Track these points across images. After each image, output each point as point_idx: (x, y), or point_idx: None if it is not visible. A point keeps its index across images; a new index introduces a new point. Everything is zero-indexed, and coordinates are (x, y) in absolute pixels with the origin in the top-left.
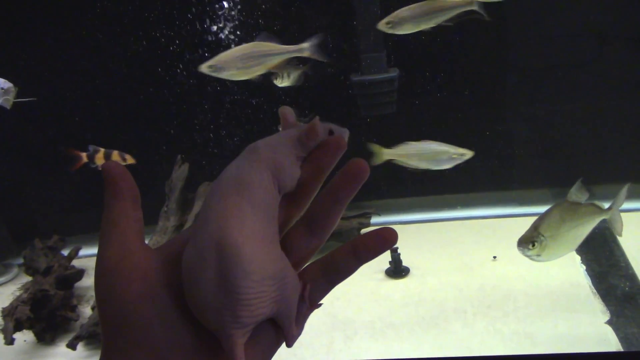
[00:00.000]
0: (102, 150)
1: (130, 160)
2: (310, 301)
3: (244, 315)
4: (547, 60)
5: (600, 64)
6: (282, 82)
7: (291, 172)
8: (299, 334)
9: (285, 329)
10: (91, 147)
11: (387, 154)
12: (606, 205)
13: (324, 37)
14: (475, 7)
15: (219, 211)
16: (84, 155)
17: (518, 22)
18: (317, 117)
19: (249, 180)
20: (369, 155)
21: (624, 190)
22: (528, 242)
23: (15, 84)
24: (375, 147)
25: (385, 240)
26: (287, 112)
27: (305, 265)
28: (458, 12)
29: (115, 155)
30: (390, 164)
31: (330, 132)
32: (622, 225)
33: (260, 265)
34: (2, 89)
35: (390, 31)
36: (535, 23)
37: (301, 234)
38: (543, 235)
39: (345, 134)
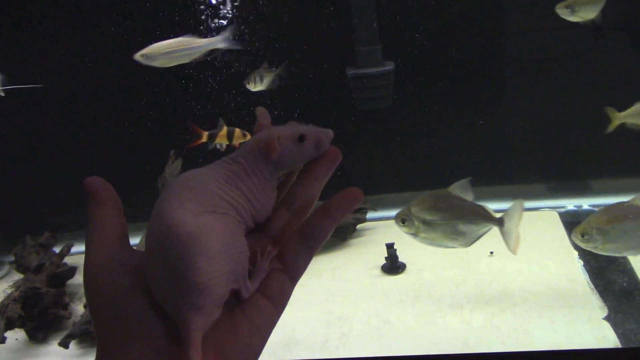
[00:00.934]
0: (225, 128)
1: (249, 136)
2: (293, 268)
3: (197, 297)
4: (541, 53)
5: (596, 57)
6: (255, 87)
7: (264, 195)
8: (255, 288)
9: (240, 287)
10: (221, 121)
11: (621, 117)
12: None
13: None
14: (221, 46)
15: (161, 203)
16: (205, 134)
17: (513, 14)
18: (275, 133)
19: (193, 176)
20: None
21: (517, 205)
22: (399, 218)
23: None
24: (610, 111)
25: (353, 196)
26: (262, 113)
27: (282, 232)
28: (206, 51)
29: (238, 132)
30: (385, 157)
31: (301, 138)
32: (516, 242)
33: (204, 250)
34: None
35: (146, 63)
36: (530, 15)
37: (281, 215)
38: (415, 216)
39: (323, 135)
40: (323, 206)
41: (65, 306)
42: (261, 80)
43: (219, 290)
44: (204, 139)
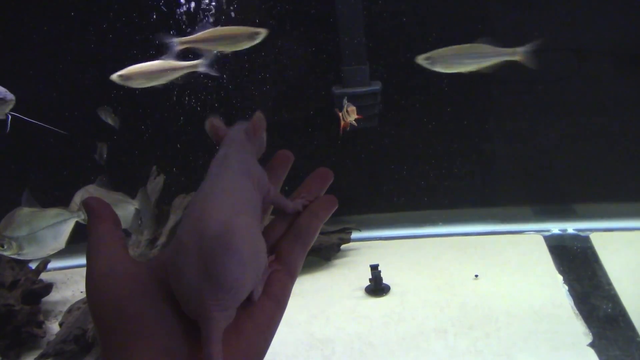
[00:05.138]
0: (347, 104)
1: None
2: (291, 265)
3: (225, 298)
4: (526, 76)
5: (579, 80)
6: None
7: (262, 174)
8: (261, 290)
9: (254, 289)
10: (344, 101)
11: None
12: None
13: None
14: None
15: (201, 207)
16: (340, 114)
17: (499, 37)
18: (259, 112)
19: (228, 180)
20: None
21: (78, 196)
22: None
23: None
24: None
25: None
26: (215, 122)
27: (278, 239)
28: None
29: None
30: (370, 178)
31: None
32: None
33: (239, 252)
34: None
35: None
36: (516, 38)
37: (278, 226)
38: (9, 237)
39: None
40: (309, 208)
41: (40, 324)
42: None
43: (245, 292)
44: (343, 120)
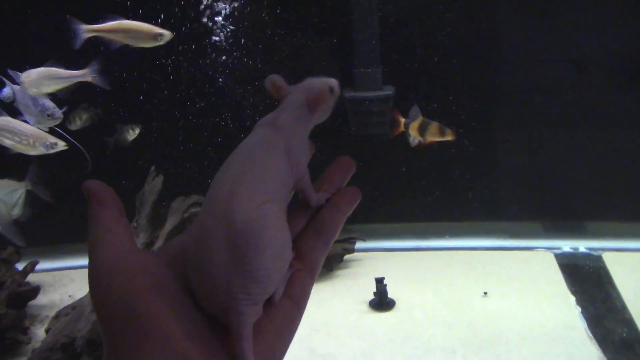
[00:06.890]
0: (420, 119)
1: (450, 135)
2: (312, 265)
3: (256, 291)
4: (537, 87)
5: (593, 93)
6: (75, 126)
7: (303, 154)
8: (282, 291)
9: (277, 289)
10: (414, 111)
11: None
12: None
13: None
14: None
15: (228, 188)
16: (402, 121)
17: (503, 46)
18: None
19: (262, 159)
20: None
21: None
22: None
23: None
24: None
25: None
26: (277, 80)
27: (297, 234)
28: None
29: (435, 127)
30: (376, 186)
31: (331, 90)
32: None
33: (270, 242)
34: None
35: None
36: (515, 49)
37: (298, 221)
38: None
39: (335, 83)
40: (332, 201)
41: (25, 330)
42: (81, 119)
43: (273, 286)
44: (402, 127)
